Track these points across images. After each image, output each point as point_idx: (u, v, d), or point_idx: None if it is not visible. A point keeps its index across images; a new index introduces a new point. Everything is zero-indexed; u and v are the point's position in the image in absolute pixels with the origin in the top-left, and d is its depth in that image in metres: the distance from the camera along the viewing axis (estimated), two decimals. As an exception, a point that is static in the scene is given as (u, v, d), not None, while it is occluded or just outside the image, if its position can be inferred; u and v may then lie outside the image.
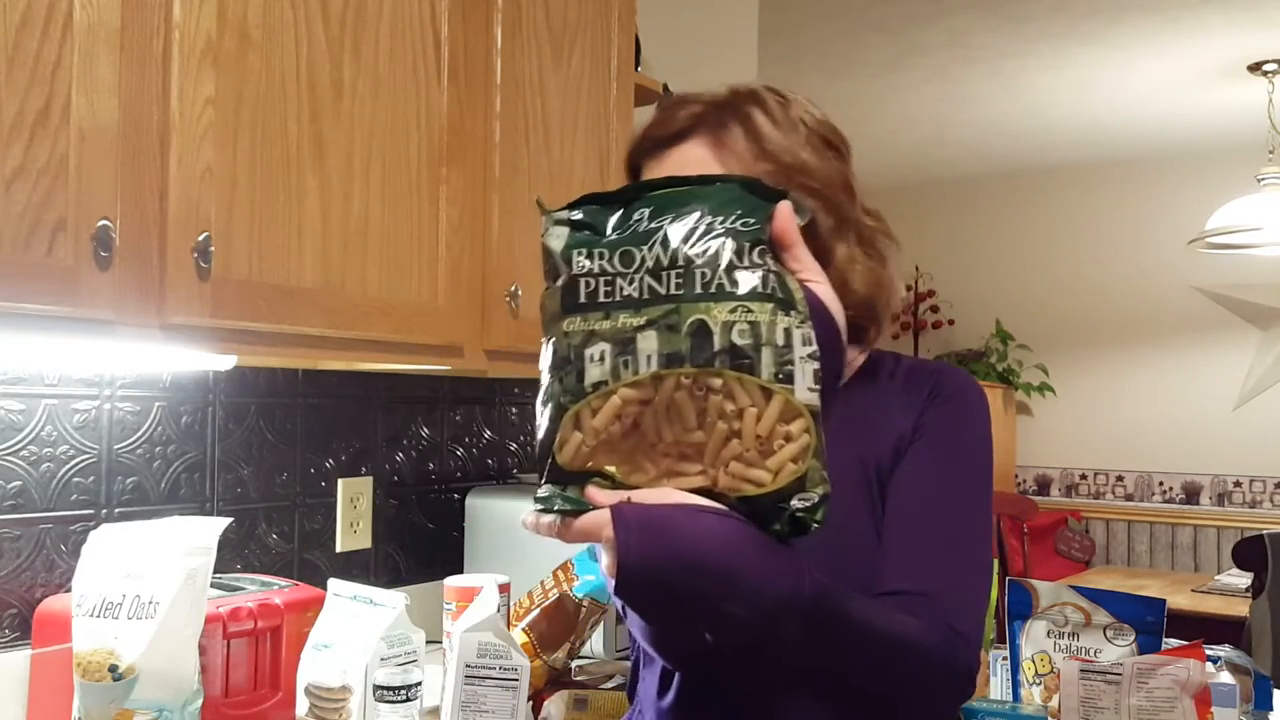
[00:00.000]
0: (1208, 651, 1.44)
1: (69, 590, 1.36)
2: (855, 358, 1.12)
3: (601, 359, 0.80)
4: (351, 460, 1.93)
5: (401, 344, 1.53)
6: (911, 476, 1.05)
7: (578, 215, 0.86)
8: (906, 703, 0.98)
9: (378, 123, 1.46)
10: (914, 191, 5.81)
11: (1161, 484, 5.26)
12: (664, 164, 1.07)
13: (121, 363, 1.55)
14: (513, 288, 1.68)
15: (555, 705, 1.50)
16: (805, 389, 0.81)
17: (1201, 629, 3.21)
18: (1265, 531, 3.37)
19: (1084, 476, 5.46)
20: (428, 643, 1.51)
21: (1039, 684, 1.46)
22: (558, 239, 0.85)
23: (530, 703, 1.40)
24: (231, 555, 1.70)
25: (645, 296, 0.81)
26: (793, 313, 0.82)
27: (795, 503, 0.81)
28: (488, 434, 2.22)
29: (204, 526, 1.35)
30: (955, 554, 1.03)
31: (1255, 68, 3.90)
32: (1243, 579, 3.84)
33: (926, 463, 1.05)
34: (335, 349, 1.45)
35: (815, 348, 0.82)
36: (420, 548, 2.06)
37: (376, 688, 1.42)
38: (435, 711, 1.53)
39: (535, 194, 1.76)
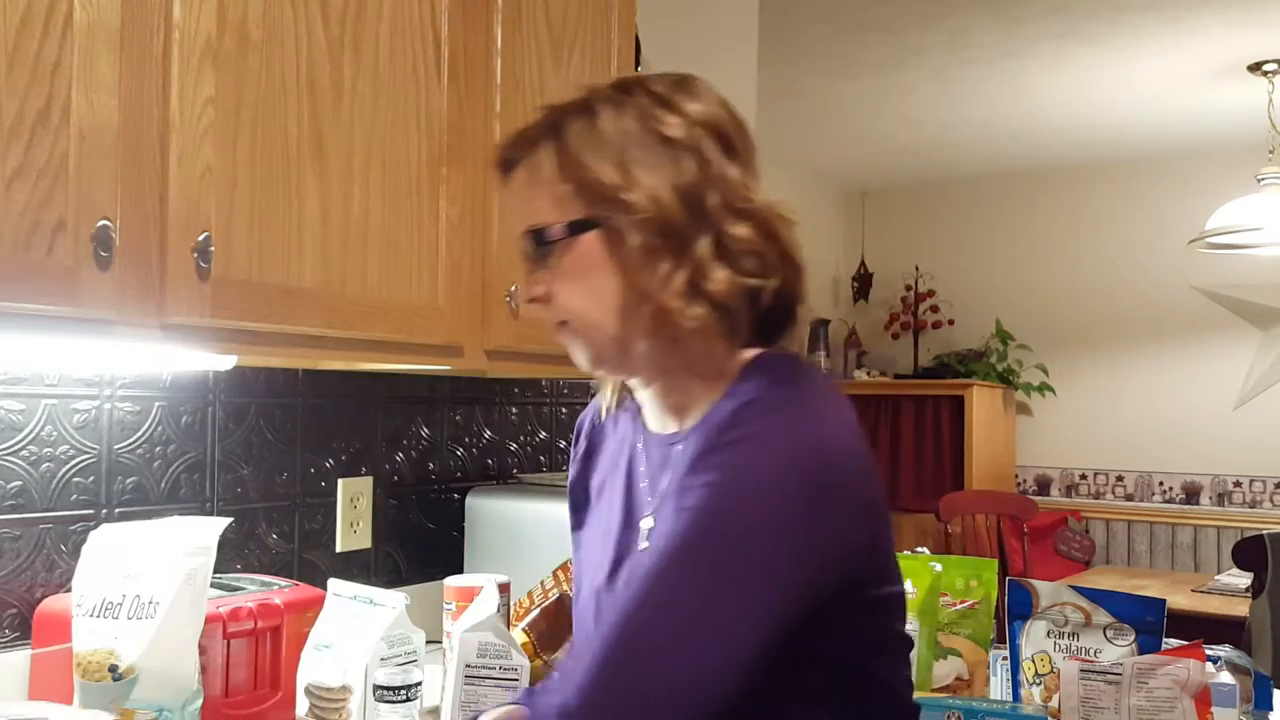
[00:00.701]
0: (1208, 651, 1.43)
1: (69, 590, 1.36)
2: (730, 363, 1.01)
3: None
4: (351, 460, 1.93)
5: (401, 344, 1.53)
6: (658, 525, 0.97)
7: None
8: None
9: (378, 123, 1.46)
10: (914, 191, 5.81)
11: (1161, 484, 5.26)
12: (507, 192, 1.08)
13: (121, 363, 1.55)
14: (513, 288, 1.68)
15: (555, 705, 1.50)
16: None
17: (1201, 629, 3.20)
18: (1265, 531, 3.37)
19: (1084, 476, 5.46)
20: (428, 643, 1.51)
21: (1039, 684, 1.46)
22: None
23: (530, 703, 1.40)
24: (231, 555, 1.70)
25: None
26: None
27: None
28: (488, 434, 2.22)
29: (204, 526, 1.35)
30: (642, 611, 0.88)
31: (1255, 68, 3.90)
32: (1243, 579, 3.84)
33: (673, 510, 0.92)
34: (335, 349, 1.45)
35: None
36: (420, 548, 2.06)
37: (376, 688, 1.42)
38: (435, 711, 1.53)
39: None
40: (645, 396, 1.10)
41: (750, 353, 1.02)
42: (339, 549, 1.90)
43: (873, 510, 0.98)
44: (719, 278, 0.97)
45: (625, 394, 1.16)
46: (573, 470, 1.24)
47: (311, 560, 1.85)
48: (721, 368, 1.01)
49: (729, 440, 0.92)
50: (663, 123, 0.99)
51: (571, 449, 1.25)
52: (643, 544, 1.05)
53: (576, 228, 1.00)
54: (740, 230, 0.98)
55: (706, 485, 0.91)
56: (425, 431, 2.07)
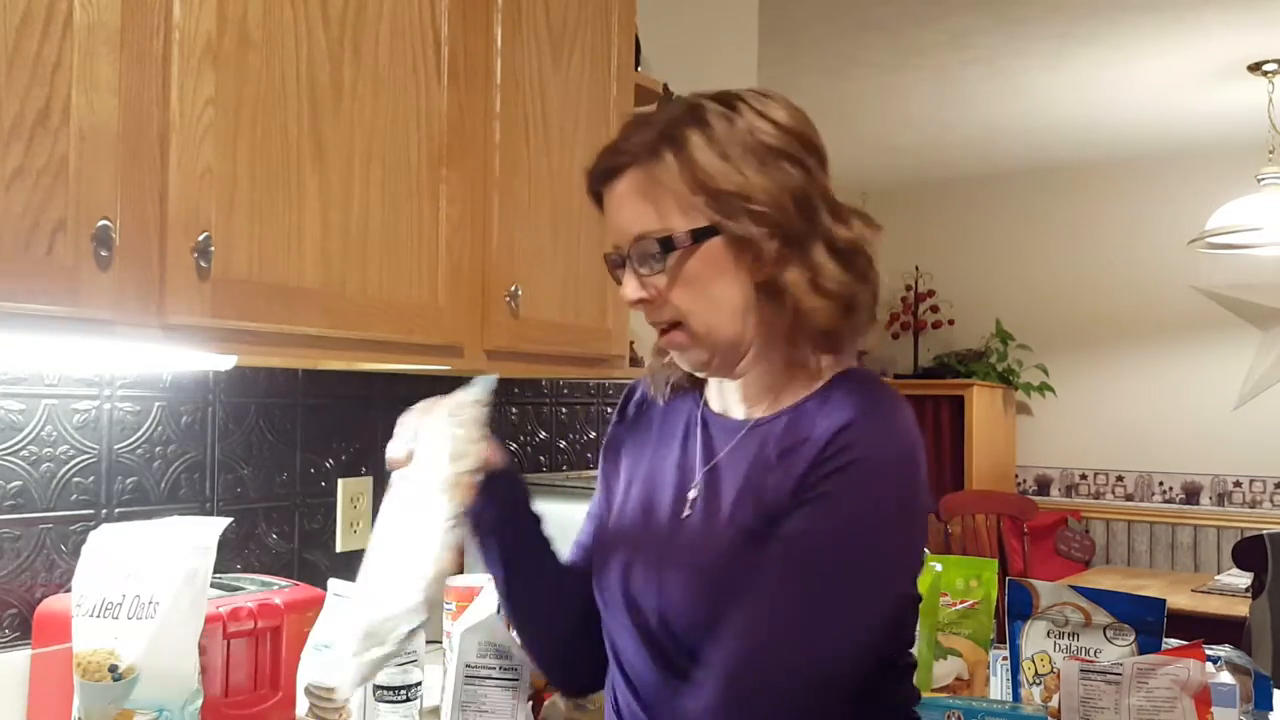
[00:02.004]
0: (1208, 651, 1.44)
1: (69, 590, 1.36)
2: (826, 370, 1.08)
3: None
4: (351, 460, 1.93)
5: (401, 344, 1.53)
6: (775, 549, 0.99)
7: None
8: None
9: (378, 123, 1.46)
10: (914, 191, 5.81)
11: (1161, 484, 5.26)
12: (612, 195, 1.08)
13: (121, 363, 1.55)
14: (513, 288, 1.68)
15: (555, 705, 1.50)
16: None
17: (1201, 629, 3.20)
18: (1265, 531, 3.37)
19: (1084, 476, 5.46)
20: (428, 643, 1.51)
21: (1039, 684, 1.47)
22: None
23: (530, 703, 1.40)
24: (231, 555, 1.70)
25: None
26: None
27: None
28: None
29: (204, 526, 1.35)
30: (770, 632, 0.96)
31: (1255, 68, 3.90)
32: (1243, 579, 3.84)
33: (790, 537, 0.98)
34: (335, 349, 1.45)
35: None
36: (420, 548, 2.06)
37: (376, 688, 1.42)
38: (435, 711, 1.53)
39: (535, 194, 1.76)
40: (724, 382, 1.13)
41: (834, 360, 1.08)
42: (339, 549, 1.90)
43: (926, 518, 1.09)
44: (837, 277, 1.04)
45: (680, 382, 1.19)
46: (611, 430, 1.27)
47: (311, 560, 1.85)
48: (812, 368, 1.07)
49: (840, 465, 0.99)
50: (768, 134, 1.04)
51: (615, 414, 1.27)
52: (686, 511, 1.09)
53: (701, 234, 1.03)
54: (844, 233, 1.06)
55: (823, 506, 0.98)
56: (425, 431, 2.07)
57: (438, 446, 1.10)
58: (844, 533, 0.98)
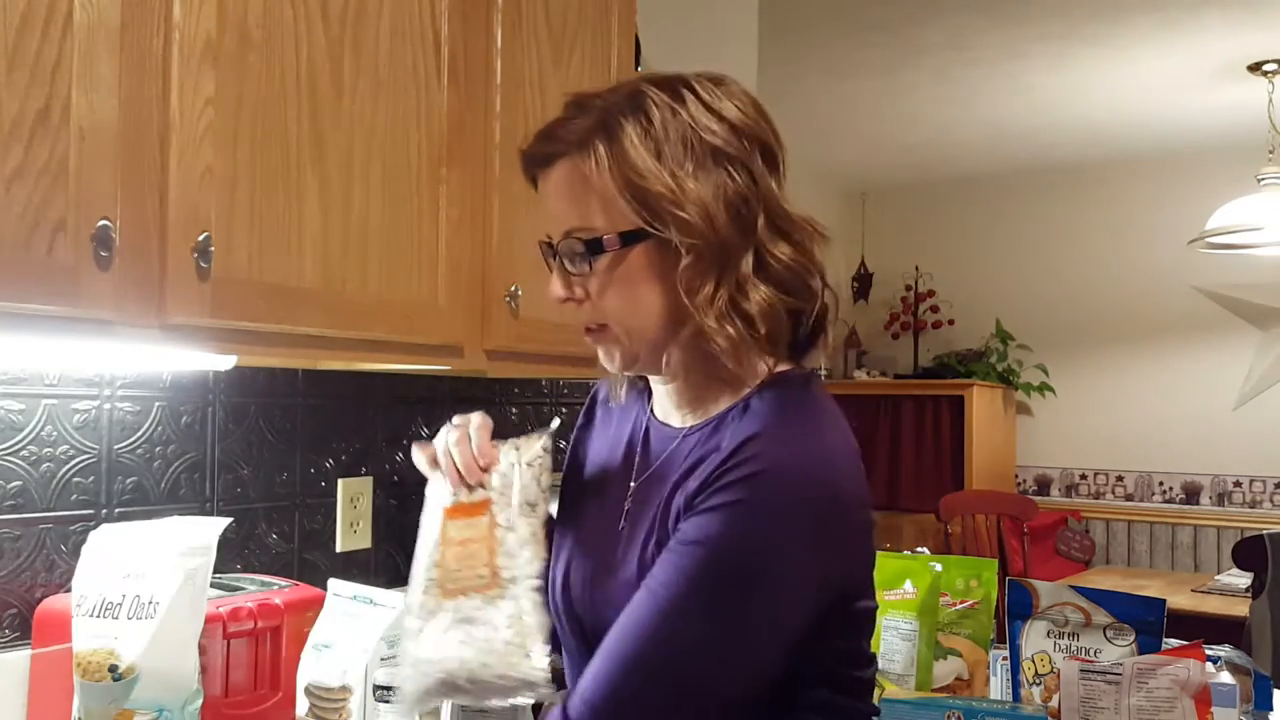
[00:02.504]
0: (1208, 651, 1.44)
1: (69, 590, 1.36)
2: (756, 374, 1.01)
3: None
4: (351, 460, 1.93)
5: (401, 344, 1.53)
6: (669, 552, 0.94)
7: None
8: None
9: (378, 123, 1.46)
10: (914, 191, 5.81)
11: (1161, 484, 5.26)
12: (545, 183, 1.04)
13: (121, 363, 1.55)
14: (513, 288, 1.68)
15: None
16: None
17: (1201, 629, 3.20)
18: (1265, 531, 3.37)
19: (1084, 476, 5.46)
20: (428, 643, 1.51)
21: (1039, 684, 1.47)
22: None
23: (531, 703, 1.40)
24: (231, 555, 1.70)
25: None
26: None
27: None
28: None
29: (204, 526, 1.35)
30: (636, 647, 0.92)
31: (1255, 68, 3.90)
32: (1243, 579, 3.84)
33: (677, 543, 0.93)
34: (335, 349, 1.45)
35: None
36: (420, 548, 2.06)
37: (376, 688, 1.42)
38: (435, 712, 1.53)
39: (535, 194, 1.75)
40: (660, 389, 1.11)
41: (768, 366, 1.02)
42: (339, 549, 1.90)
43: (864, 533, 1.00)
44: (758, 297, 0.97)
45: (635, 381, 1.17)
46: (576, 430, 1.24)
47: (311, 560, 1.85)
48: (744, 377, 1.02)
49: (740, 477, 0.92)
50: (714, 133, 0.97)
51: (580, 417, 1.24)
52: (622, 524, 1.06)
53: (630, 238, 0.98)
54: (781, 249, 0.99)
55: (718, 518, 0.92)
56: (425, 431, 2.07)
57: (513, 489, 1.07)
58: (738, 545, 0.91)
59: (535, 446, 1.08)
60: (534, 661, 1.00)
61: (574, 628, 1.06)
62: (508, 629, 1.00)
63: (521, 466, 1.07)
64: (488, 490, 1.06)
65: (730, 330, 0.96)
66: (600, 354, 1.07)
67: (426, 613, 1.03)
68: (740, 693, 0.94)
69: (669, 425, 1.09)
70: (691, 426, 1.05)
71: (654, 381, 1.11)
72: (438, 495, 1.10)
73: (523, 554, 1.04)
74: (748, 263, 0.97)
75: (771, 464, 0.92)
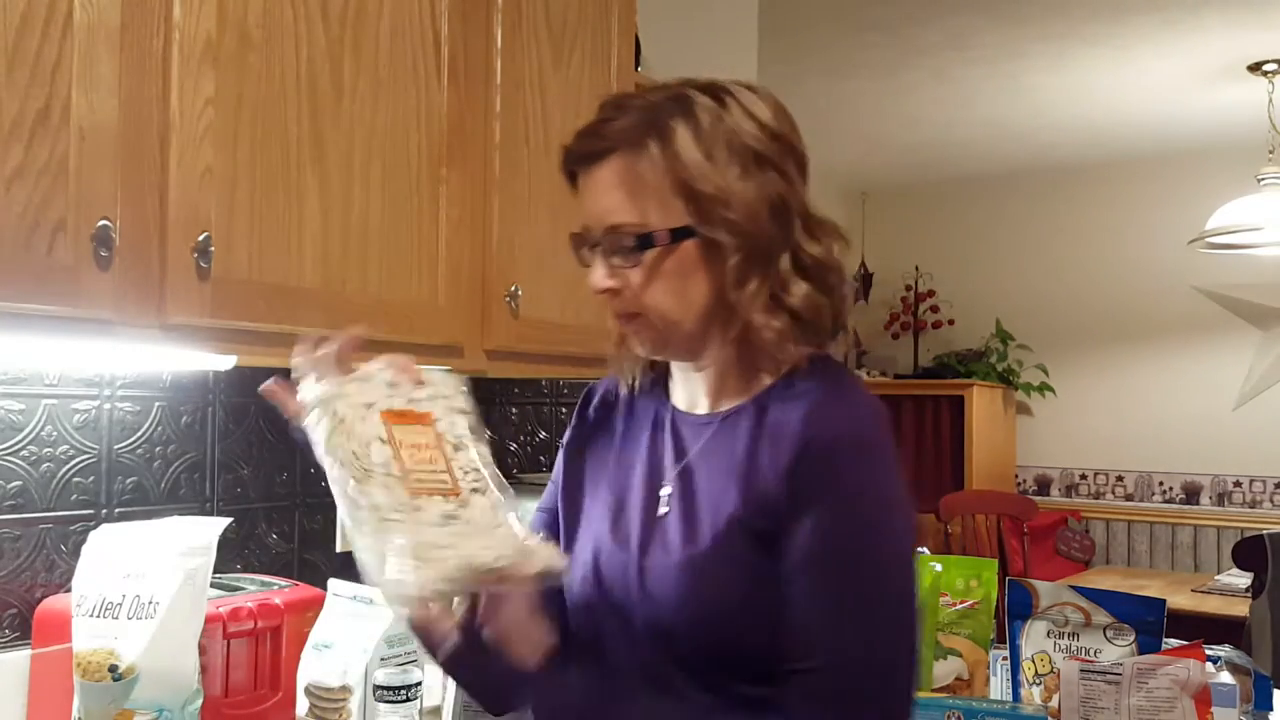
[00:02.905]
0: (1208, 651, 1.44)
1: (69, 590, 1.36)
2: (795, 356, 1.05)
3: None
4: (351, 460, 1.93)
5: (401, 344, 1.51)
6: (803, 551, 0.97)
7: None
8: None
9: (378, 123, 1.46)
10: (914, 191, 5.81)
11: (1161, 484, 5.26)
12: (589, 179, 1.05)
13: (121, 363, 1.55)
14: (513, 288, 1.68)
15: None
16: None
17: (1201, 629, 3.20)
18: (1265, 531, 3.37)
19: (1084, 476, 5.45)
20: (428, 643, 1.51)
21: (1039, 684, 1.47)
22: None
23: (530, 703, 1.40)
24: (231, 555, 1.70)
25: None
26: None
27: None
28: (487, 434, 2.21)
29: (204, 526, 1.35)
30: (857, 625, 0.96)
31: (1255, 68, 3.90)
32: (1243, 579, 3.84)
33: (817, 536, 0.97)
34: (335, 349, 1.44)
35: None
36: (420, 548, 2.06)
37: (376, 688, 1.42)
38: (435, 711, 1.53)
39: (535, 194, 1.76)
40: (688, 376, 1.12)
41: (800, 351, 1.06)
42: (339, 549, 1.90)
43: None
44: (799, 292, 1.02)
45: (647, 375, 1.18)
46: (572, 431, 1.25)
47: (311, 560, 1.85)
48: (780, 364, 1.06)
49: (826, 451, 0.98)
50: (755, 137, 1.02)
51: (578, 412, 1.25)
52: (662, 509, 1.07)
53: (678, 235, 1.01)
54: (813, 249, 1.04)
55: (829, 503, 0.97)
56: (425, 431, 2.07)
57: (452, 412, 1.07)
58: (862, 528, 0.98)
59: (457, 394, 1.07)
60: (550, 547, 0.99)
61: (612, 615, 1.07)
62: (503, 524, 0.98)
63: (455, 397, 1.06)
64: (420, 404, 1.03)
65: (776, 324, 1.02)
66: (630, 339, 1.10)
67: (408, 508, 0.96)
68: (915, 660, 1.01)
69: (695, 413, 1.11)
70: (728, 410, 1.07)
71: (678, 370, 1.13)
72: (364, 396, 1.03)
73: (485, 471, 1.02)
74: (786, 260, 1.03)
75: (853, 434, 1.00)
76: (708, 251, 1.02)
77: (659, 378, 1.17)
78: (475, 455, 1.04)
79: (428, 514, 0.95)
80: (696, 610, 1.00)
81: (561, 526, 1.18)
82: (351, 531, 0.96)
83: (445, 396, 1.06)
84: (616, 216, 1.03)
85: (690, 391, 1.12)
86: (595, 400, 1.25)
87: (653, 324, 1.05)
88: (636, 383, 1.18)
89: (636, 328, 1.07)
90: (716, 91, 1.03)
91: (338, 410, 1.00)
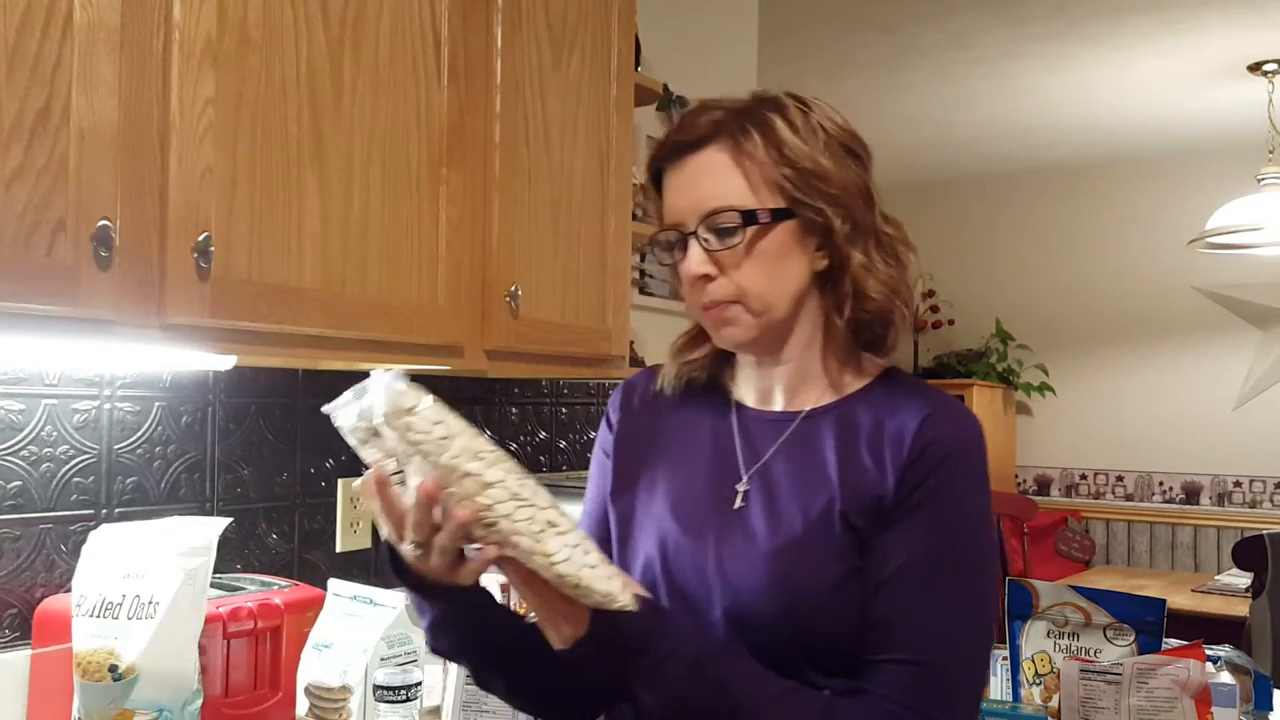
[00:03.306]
0: (1208, 651, 1.44)
1: (69, 590, 1.36)
2: (872, 368, 1.12)
3: None
4: (351, 460, 1.93)
5: (401, 344, 1.53)
6: (905, 547, 1.01)
7: None
8: None
9: (378, 123, 1.46)
10: (914, 191, 5.81)
11: (1161, 484, 5.26)
12: (685, 170, 1.08)
13: (121, 363, 1.55)
14: (513, 288, 1.68)
15: (555, 705, 1.50)
16: None
17: (1201, 629, 3.20)
18: (1265, 531, 3.37)
19: (1084, 476, 5.46)
20: (428, 643, 1.51)
21: (1039, 684, 1.47)
22: None
23: (530, 703, 1.40)
24: (231, 555, 1.70)
25: None
26: None
27: None
28: (487, 434, 2.22)
29: (204, 526, 1.35)
30: (950, 625, 1.00)
31: (1255, 68, 3.90)
32: (1243, 579, 3.84)
33: (920, 535, 1.02)
34: (335, 349, 1.45)
35: None
36: (420, 548, 2.05)
37: (376, 688, 1.42)
38: (435, 711, 1.54)
39: (535, 194, 1.76)
40: (764, 373, 1.13)
41: (872, 357, 1.12)
42: (339, 549, 1.90)
43: None
44: (886, 274, 1.08)
45: (697, 378, 1.19)
46: (618, 429, 1.22)
47: (311, 560, 1.85)
48: (857, 361, 1.12)
49: (938, 459, 1.03)
50: (836, 130, 1.10)
51: (616, 410, 1.23)
52: (739, 503, 1.09)
53: (780, 214, 1.05)
54: (891, 230, 1.11)
55: (934, 509, 1.02)
56: (425, 431, 2.07)
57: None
58: (963, 528, 1.03)
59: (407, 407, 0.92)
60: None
61: (682, 605, 1.07)
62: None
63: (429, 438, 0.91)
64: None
65: (883, 291, 1.07)
66: (723, 330, 1.10)
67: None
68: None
69: (768, 410, 1.13)
70: (814, 408, 1.10)
71: (748, 367, 1.15)
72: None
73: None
74: (873, 243, 1.09)
75: (963, 443, 1.05)
76: (805, 233, 1.06)
77: (713, 377, 1.18)
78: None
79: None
80: (784, 599, 1.01)
81: (614, 523, 1.18)
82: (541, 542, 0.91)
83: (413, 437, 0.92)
84: (718, 200, 1.06)
85: (762, 388, 1.14)
86: (640, 391, 1.24)
87: (749, 309, 1.07)
88: (682, 382, 1.19)
89: (731, 316, 1.08)
90: (800, 97, 1.11)
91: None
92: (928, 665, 0.98)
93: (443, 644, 1.07)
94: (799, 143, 1.06)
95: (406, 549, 0.94)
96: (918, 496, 1.02)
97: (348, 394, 0.99)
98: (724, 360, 1.18)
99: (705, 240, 1.06)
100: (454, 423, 0.90)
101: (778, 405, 1.13)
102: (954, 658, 1.00)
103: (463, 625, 1.05)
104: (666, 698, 0.94)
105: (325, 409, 0.99)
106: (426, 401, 0.91)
